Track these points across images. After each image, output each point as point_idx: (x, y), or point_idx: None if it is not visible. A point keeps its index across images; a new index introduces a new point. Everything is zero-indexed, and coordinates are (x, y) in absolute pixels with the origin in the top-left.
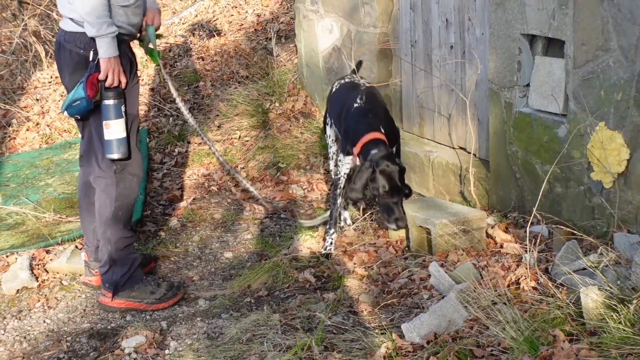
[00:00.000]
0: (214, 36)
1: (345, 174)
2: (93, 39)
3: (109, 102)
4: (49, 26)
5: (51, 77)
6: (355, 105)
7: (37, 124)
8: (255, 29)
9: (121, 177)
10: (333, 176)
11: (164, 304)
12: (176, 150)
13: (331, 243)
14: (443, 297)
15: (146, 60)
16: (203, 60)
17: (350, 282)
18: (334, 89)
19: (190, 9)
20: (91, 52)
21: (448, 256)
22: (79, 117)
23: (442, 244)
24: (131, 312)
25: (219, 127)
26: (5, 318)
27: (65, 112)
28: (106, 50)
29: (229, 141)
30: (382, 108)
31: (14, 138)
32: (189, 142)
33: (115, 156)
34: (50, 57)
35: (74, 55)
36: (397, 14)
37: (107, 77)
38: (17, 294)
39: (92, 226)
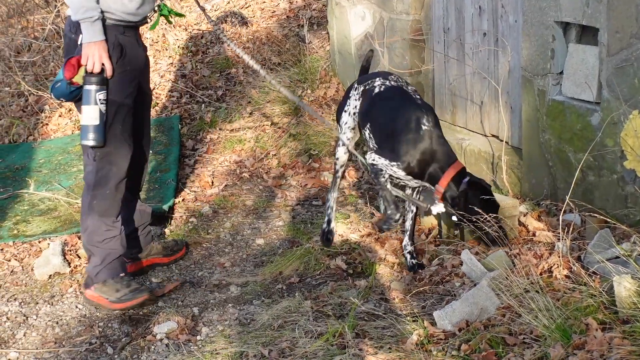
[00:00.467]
0: (246, 23)
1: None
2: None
3: (89, 87)
4: None
5: None
6: (424, 127)
7: (70, 110)
8: (287, 16)
9: (100, 166)
10: (339, 164)
11: (122, 304)
12: (208, 136)
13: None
14: (475, 285)
15: (178, 47)
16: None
17: (381, 269)
18: (375, 89)
19: None
20: (80, 36)
21: (480, 244)
22: (64, 100)
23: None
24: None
25: (250, 114)
26: (37, 303)
27: (52, 94)
28: (88, 34)
29: (261, 128)
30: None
31: (47, 124)
32: (220, 129)
33: (90, 143)
34: None
35: (67, 39)
36: (430, 1)
37: (87, 61)
38: (50, 280)
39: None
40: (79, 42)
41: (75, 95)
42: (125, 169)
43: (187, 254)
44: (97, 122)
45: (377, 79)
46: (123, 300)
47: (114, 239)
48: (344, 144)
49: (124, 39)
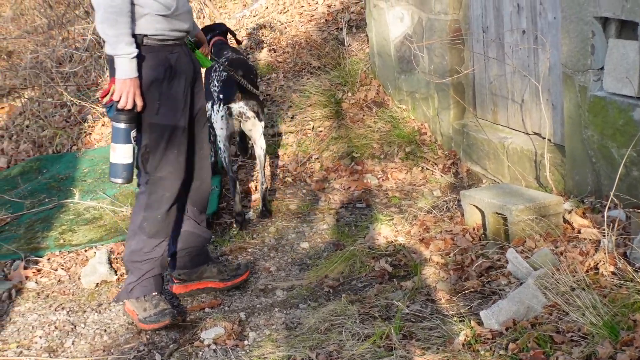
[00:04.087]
0: (285, 28)
1: None
2: None
3: (119, 125)
4: None
5: None
6: None
7: None
8: (326, 20)
9: (153, 190)
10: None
11: (146, 325)
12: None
13: None
14: (521, 284)
15: None
16: (275, 52)
17: (427, 270)
18: None
19: (261, 1)
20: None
21: (525, 242)
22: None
23: (518, 231)
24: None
25: (292, 118)
26: (85, 312)
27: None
28: (123, 70)
29: (303, 132)
30: None
31: (90, 134)
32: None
33: (119, 181)
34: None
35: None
36: (468, 1)
37: (119, 98)
38: (97, 288)
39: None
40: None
41: (109, 117)
42: (177, 193)
43: (249, 278)
44: (130, 161)
45: None
46: (147, 321)
47: (154, 259)
48: None
49: (174, 57)
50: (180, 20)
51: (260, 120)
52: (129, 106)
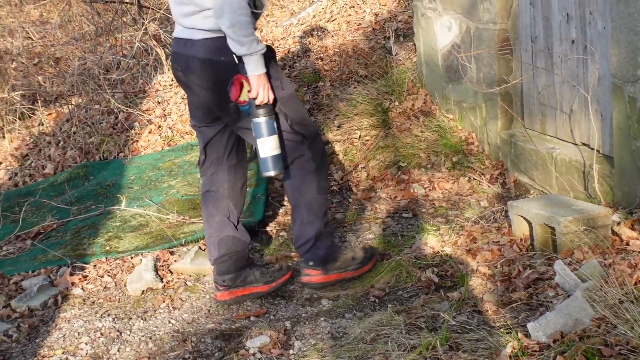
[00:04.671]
0: (332, 36)
1: None
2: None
3: (260, 119)
4: (168, 30)
5: (172, 80)
6: None
7: (159, 126)
8: (373, 28)
9: (315, 150)
10: None
11: (366, 267)
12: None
13: None
14: (569, 296)
15: None
16: (322, 60)
17: (474, 281)
18: None
19: (308, 10)
20: (234, 55)
21: (573, 254)
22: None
23: (566, 242)
24: (333, 287)
25: (339, 126)
26: (131, 319)
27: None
28: (255, 67)
29: (349, 141)
30: None
31: (137, 141)
32: None
33: (272, 174)
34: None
35: (213, 65)
36: (517, 10)
37: (257, 94)
38: (142, 295)
39: (212, 239)
40: (237, 62)
41: (247, 114)
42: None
43: (292, 279)
44: (278, 152)
45: None
46: (365, 262)
47: (329, 218)
48: None
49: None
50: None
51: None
52: (266, 100)
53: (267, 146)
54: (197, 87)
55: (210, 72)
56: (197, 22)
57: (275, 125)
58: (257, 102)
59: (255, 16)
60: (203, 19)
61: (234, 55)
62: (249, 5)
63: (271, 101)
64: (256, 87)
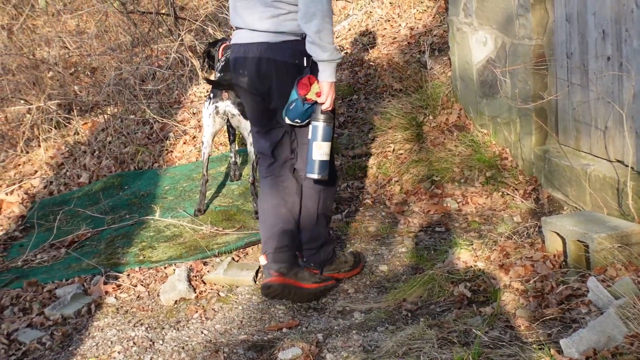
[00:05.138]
0: (368, 50)
1: None
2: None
3: (320, 124)
4: (204, 41)
5: (207, 91)
6: None
7: (194, 137)
8: (408, 42)
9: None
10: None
11: (355, 270)
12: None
13: None
14: (602, 313)
15: None
16: (356, 73)
17: (506, 296)
18: None
19: (343, 23)
20: (305, 59)
21: (606, 271)
22: (298, 122)
23: (600, 259)
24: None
25: (373, 140)
26: (163, 329)
27: (286, 118)
28: (329, 74)
29: (383, 154)
30: None
31: (171, 151)
32: (343, 155)
33: (316, 177)
34: (205, 72)
35: (285, 67)
36: (553, 26)
37: (326, 100)
38: (175, 305)
39: (276, 228)
40: (305, 65)
41: (308, 114)
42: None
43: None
44: (328, 158)
45: None
46: (355, 266)
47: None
48: None
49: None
50: None
51: (245, 118)
52: (331, 107)
53: (320, 150)
54: (264, 90)
55: (283, 74)
56: (277, 25)
57: (331, 133)
58: (323, 107)
59: None
60: (284, 22)
61: (304, 59)
62: None
63: (333, 109)
64: (326, 93)
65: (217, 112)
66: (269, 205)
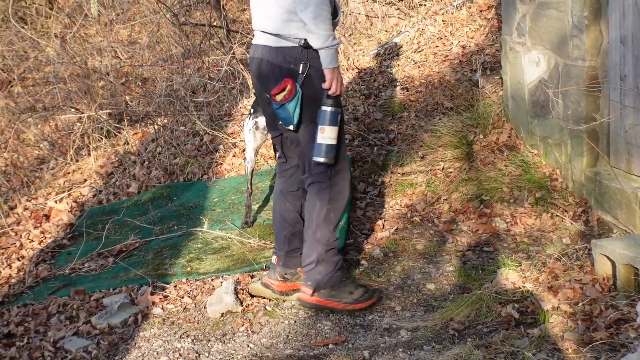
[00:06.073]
0: (419, 67)
1: None
2: (305, 52)
3: (328, 108)
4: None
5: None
6: None
7: (243, 150)
8: (460, 61)
9: (334, 182)
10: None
11: (360, 304)
12: (379, 180)
13: None
14: None
15: (349, 90)
16: (407, 90)
17: (554, 319)
18: None
19: (395, 40)
20: (301, 66)
21: None
22: (292, 127)
23: None
24: (326, 311)
25: (422, 157)
26: (210, 341)
27: (281, 123)
28: (330, 60)
29: (432, 172)
30: None
31: (221, 164)
32: (392, 172)
33: (322, 160)
34: None
35: (279, 69)
36: (607, 48)
37: (330, 85)
38: (222, 317)
39: (285, 232)
40: (299, 72)
41: (296, 120)
42: (349, 188)
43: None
44: (334, 143)
45: None
46: (360, 301)
47: (337, 249)
48: None
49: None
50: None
51: None
52: (338, 92)
53: (326, 134)
54: (267, 92)
55: (278, 77)
56: (278, 28)
57: (339, 117)
58: (330, 92)
59: (333, 25)
60: (284, 24)
61: (300, 65)
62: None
63: (343, 93)
64: (330, 79)
65: (257, 128)
66: (278, 212)
